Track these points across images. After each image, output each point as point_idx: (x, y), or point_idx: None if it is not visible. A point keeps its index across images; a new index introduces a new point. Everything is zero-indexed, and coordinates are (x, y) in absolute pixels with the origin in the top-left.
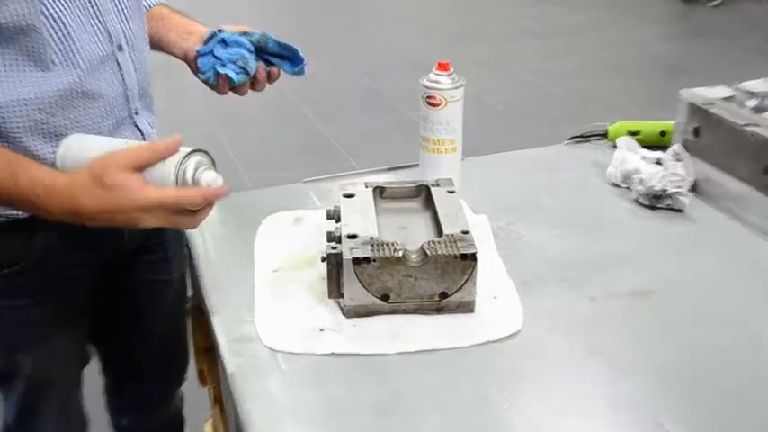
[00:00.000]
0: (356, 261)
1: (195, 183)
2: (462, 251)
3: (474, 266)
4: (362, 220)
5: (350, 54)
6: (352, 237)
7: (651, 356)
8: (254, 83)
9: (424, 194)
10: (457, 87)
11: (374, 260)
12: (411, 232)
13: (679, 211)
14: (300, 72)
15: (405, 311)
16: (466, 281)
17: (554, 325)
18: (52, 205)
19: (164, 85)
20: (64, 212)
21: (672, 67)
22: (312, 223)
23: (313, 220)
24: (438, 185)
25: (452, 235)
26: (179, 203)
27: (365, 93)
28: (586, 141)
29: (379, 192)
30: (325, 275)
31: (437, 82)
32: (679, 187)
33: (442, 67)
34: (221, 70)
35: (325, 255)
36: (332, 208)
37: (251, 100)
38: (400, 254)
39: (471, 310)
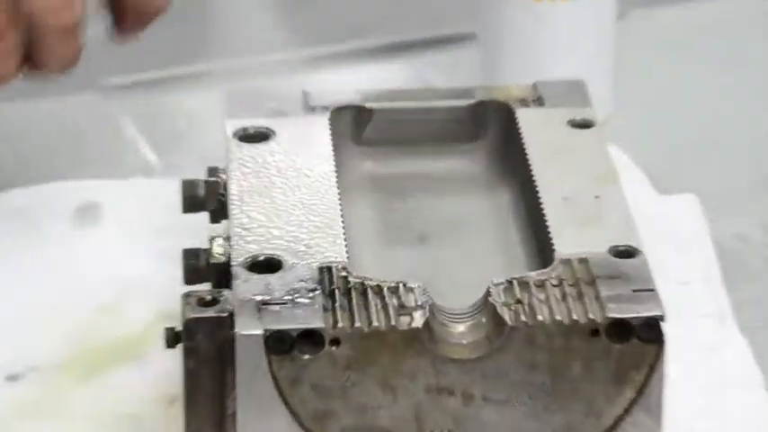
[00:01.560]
0: (279, 345)
1: None
2: (615, 313)
3: (656, 363)
4: (298, 211)
5: None
6: (272, 265)
7: None
8: None
9: (493, 131)
10: None
11: (334, 342)
12: (448, 250)
13: None
14: None
15: None
16: (630, 409)
17: None
18: None
19: None
20: None
21: None
22: (130, 219)
23: (134, 209)
24: (540, 102)
25: (586, 261)
26: None
27: None
28: None
29: (354, 121)
30: (182, 395)
31: None
32: None
33: None
34: None
35: (180, 325)
36: (202, 177)
37: None
38: (419, 320)
39: None
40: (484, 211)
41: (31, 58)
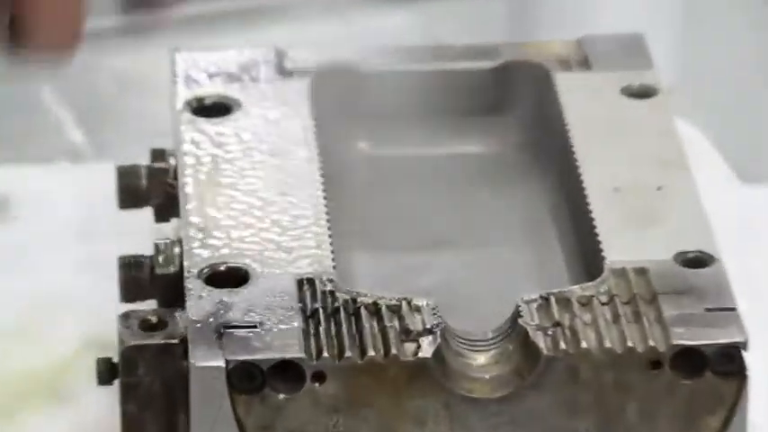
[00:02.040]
0: (246, 381)
1: None
2: (683, 339)
3: (737, 404)
4: (271, 207)
5: None
6: (236, 277)
7: None
8: None
9: (525, 101)
10: None
11: (318, 377)
12: (465, 256)
13: None
14: None
15: None
16: None
17: None
18: None
19: None
20: None
21: None
22: (49, 216)
23: (55, 203)
24: (585, 63)
25: (644, 272)
26: None
27: None
28: None
29: (343, 89)
30: None
31: None
32: None
33: None
34: None
35: (116, 355)
36: (144, 162)
37: None
38: (428, 349)
39: None
40: (512, 205)
41: (16, 30)
